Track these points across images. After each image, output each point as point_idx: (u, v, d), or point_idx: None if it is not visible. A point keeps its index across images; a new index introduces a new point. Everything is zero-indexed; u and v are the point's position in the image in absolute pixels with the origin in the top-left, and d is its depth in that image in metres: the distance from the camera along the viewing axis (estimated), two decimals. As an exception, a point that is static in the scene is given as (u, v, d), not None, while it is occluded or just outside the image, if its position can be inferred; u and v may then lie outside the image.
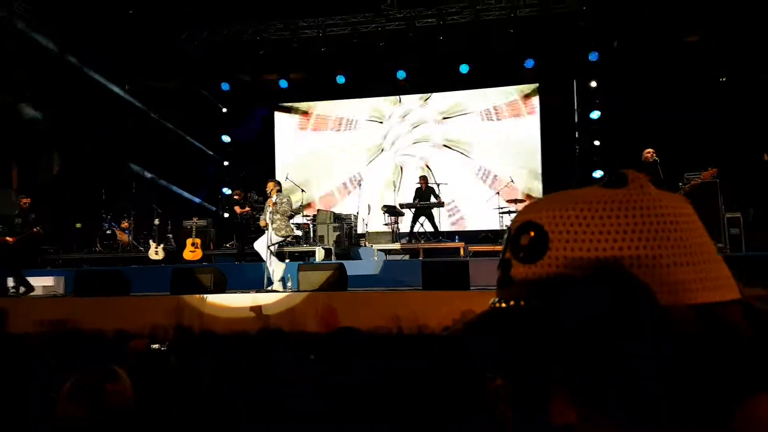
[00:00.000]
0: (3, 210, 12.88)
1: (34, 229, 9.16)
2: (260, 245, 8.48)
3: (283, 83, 14.97)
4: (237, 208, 11.74)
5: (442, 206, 12.23)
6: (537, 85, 14.47)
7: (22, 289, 8.93)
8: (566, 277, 0.57)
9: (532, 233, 0.60)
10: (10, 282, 9.05)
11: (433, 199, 11.95)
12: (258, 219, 11.84)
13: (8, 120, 13.32)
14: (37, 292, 9.08)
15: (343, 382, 2.60)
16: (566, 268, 0.57)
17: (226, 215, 12.64)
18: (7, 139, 13.27)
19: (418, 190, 12.15)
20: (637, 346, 0.51)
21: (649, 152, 7.73)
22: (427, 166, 14.52)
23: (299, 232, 11.86)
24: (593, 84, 13.92)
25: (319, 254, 10.86)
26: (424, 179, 12.28)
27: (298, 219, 12.14)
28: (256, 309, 6.68)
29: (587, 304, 0.54)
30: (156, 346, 3.70)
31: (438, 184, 12.41)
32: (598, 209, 0.58)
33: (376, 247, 11.20)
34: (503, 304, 0.60)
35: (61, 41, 13.70)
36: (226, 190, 14.74)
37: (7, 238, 9.05)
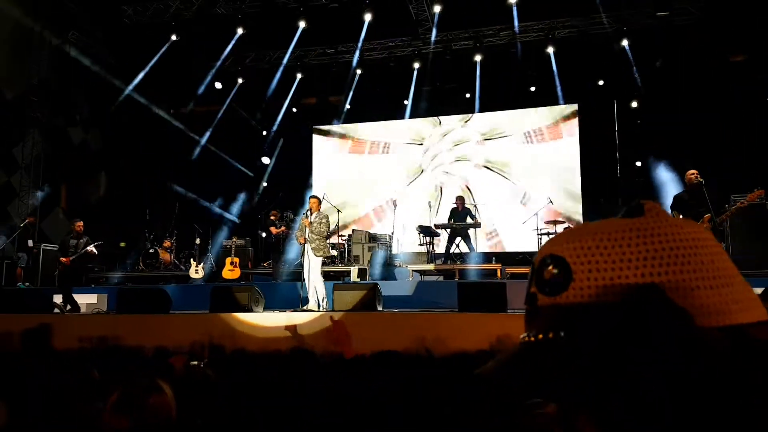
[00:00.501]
0: (52, 228, 13.39)
1: (88, 249, 9.49)
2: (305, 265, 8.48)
3: (322, 106, 15.26)
4: (273, 229, 11.93)
5: (479, 227, 12.16)
6: (576, 106, 14.33)
7: (68, 307, 9.21)
8: (591, 306, 0.58)
9: (555, 266, 0.61)
10: (58, 299, 9.33)
11: (469, 220, 11.91)
12: (293, 238, 12.00)
13: (59, 142, 13.88)
14: (81, 309, 9.34)
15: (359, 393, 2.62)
16: (590, 297, 0.58)
17: (264, 234, 12.80)
18: (57, 160, 13.80)
19: (453, 211, 12.13)
20: (652, 363, 0.52)
21: (693, 174, 7.51)
22: (467, 187, 14.48)
23: (335, 252, 11.95)
24: (634, 104, 13.75)
25: (354, 274, 10.90)
26: (460, 200, 12.24)
27: (334, 239, 12.23)
28: (291, 328, 6.73)
29: (611, 330, 0.55)
30: (195, 362, 3.77)
31: (475, 205, 12.38)
32: (617, 238, 0.59)
33: (410, 267, 11.19)
34: (532, 338, 0.60)
35: (110, 67, 14.27)
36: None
37: (62, 258, 9.38)
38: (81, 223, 9.83)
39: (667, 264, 0.57)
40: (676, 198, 7.73)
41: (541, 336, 0.59)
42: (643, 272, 0.57)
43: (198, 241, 12.73)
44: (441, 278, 10.95)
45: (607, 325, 0.55)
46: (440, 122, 15.23)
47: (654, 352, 0.52)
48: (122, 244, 14.12)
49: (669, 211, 7.69)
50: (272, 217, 12.18)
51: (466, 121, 15.11)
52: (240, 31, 12.95)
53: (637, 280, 0.57)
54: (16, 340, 6.89)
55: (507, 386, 0.59)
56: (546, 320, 0.60)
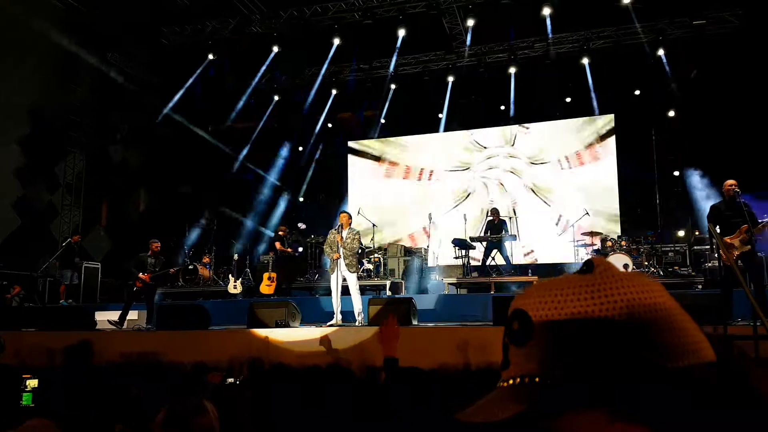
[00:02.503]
0: (93, 246, 13.74)
1: (171, 270, 9.96)
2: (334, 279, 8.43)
3: (359, 121, 15.42)
4: (277, 245, 11.78)
5: (514, 239, 12.04)
6: (612, 117, 14.11)
7: (119, 325, 9.34)
8: (551, 354, 0.66)
9: (520, 320, 0.70)
10: (106, 316, 9.52)
11: (505, 232, 11.81)
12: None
13: (99, 161, 14.28)
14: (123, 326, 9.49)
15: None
16: (549, 345, 0.66)
17: (300, 249, 12.88)
18: (97, 179, 14.19)
19: (490, 223, 12.05)
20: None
21: (731, 184, 7.31)
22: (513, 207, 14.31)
23: (370, 266, 11.95)
24: (671, 113, 13.50)
25: (389, 288, 10.89)
26: (495, 212, 12.16)
27: (369, 252, 12.25)
28: (326, 343, 6.74)
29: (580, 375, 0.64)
30: (231, 380, 3.81)
31: (510, 218, 12.28)
32: (570, 293, 0.67)
33: (446, 280, 11.13)
34: (504, 384, 0.69)
35: (149, 86, 14.67)
36: (302, 225, 15.11)
37: (141, 276, 9.62)
38: (158, 244, 10.10)
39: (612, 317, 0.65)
40: (712, 208, 7.57)
41: (511, 381, 0.68)
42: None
43: (236, 256, 12.89)
44: (468, 291, 10.87)
45: (576, 372, 0.64)
46: (483, 147, 15.01)
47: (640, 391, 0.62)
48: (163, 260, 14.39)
49: (706, 223, 7.54)
50: (280, 233, 12.07)
51: (512, 144, 14.85)
52: (276, 49, 13.17)
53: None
54: (59, 356, 7.08)
55: (487, 425, 0.66)
56: (516, 368, 0.68)
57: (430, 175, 15.27)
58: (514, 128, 14.70)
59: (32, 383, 4.66)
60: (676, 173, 13.40)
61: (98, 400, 3.04)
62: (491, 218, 12.10)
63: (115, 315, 9.71)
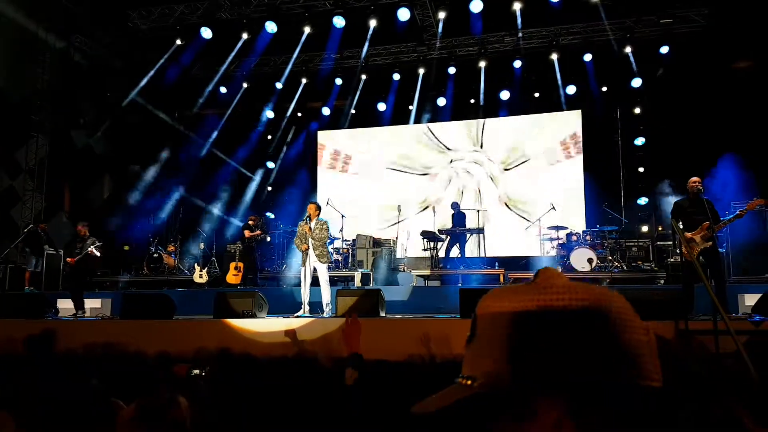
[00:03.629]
0: (55, 232, 13.42)
1: (89, 250, 9.47)
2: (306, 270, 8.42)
3: (326, 111, 15.31)
4: (246, 232, 11.69)
5: (481, 232, 12.20)
6: (579, 112, 14.31)
7: (80, 312, 9.19)
8: (481, 355, 0.70)
9: (472, 321, 0.75)
10: (67, 304, 9.36)
11: (468, 225, 11.95)
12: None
13: (62, 146, 13.92)
14: (85, 314, 9.34)
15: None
16: (483, 347, 0.70)
17: (268, 239, 12.79)
18: (60, 164, 13.84)
19: (453, 216, 12.24)
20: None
21: (694, 181, 7.51)
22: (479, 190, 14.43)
23: (338, 257, 11.95)
24: (637, 110, 13.77)
25: (357, 279, 10.91)
26: (457, 205, 12.36)
27: (338, 243, 12.23)
28: (291, 333, 6.72)
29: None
30: (197, 371, 3.77)
31: (479, 211, 12.40)
32: (512, 300, 0.71)
33: (414, 272, 11.20)
34: (459, 380, 0.73)
35: (114, 71, 14.35)
36: (270, 215, 15.00)
37: (68, 260, 9.42)
38: (83, 226, 9.84)
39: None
40: (676, 204, 7.77)
41: (461, 380, 0.72)
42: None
43: (202, 245, 12.75)
44: (443, 283, 10.97)
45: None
46: (447, 148, 15.01)
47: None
48: (126, 248, 14.16)
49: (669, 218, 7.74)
50: (250, 222, 11.96)
51: (477, 145, 14.93)
52: (245, 35, 12.99)
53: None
54: (19, 345, 6.91)
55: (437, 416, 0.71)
56: (465, 365, 0.73)
57: (392, 176, 15.33)
58: (481, 125, 14.81)
59: None
60: (641, 169, 13.68)
61: (55, 391, 2.98)
62: (454, 211, 12.29)
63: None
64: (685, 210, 7.51)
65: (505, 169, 14.58)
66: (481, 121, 14.78)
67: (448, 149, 14.99)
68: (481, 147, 14.78)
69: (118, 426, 1.77)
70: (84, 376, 2.97)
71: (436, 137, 15.07)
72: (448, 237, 11.91)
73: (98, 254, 9.65)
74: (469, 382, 0.70)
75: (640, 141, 13.73)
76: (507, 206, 14.38)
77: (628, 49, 12.93)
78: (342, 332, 3.00)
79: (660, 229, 12.09)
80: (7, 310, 8.41)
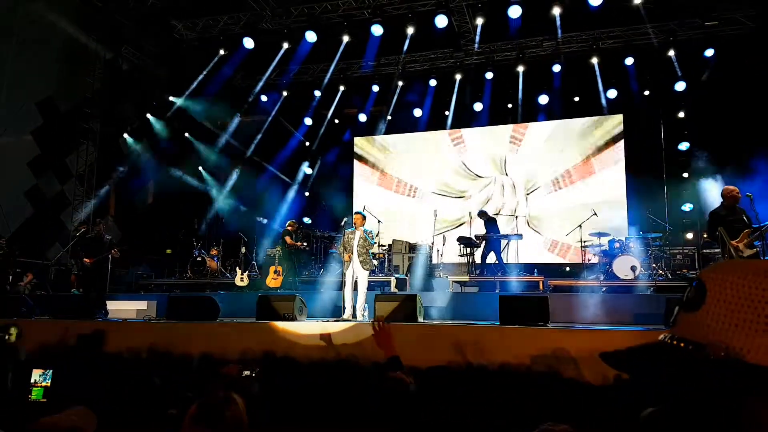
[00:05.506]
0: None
1: (113, 251, 9.61)
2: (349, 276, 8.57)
3: (362, 117, 15.49)
4: (288, 239, 11.83)
5: (520, 238, 12.13)
6: (621, 117, 14.13)
7: (102, 313, 9.19)
8: (709, 330, 0.70)
9: (696, 288, 0.74)
10: (116, 305, 9.60)
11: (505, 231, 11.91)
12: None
13: (110, 152, 14.40)
14: (131, 315, 9.58)
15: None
16: (712, 321, 0.70)
17: (305, 244, 12.98)
18: (108, 170, 14.31)
19: (488, 222, 12.22)
20: None
21: (731, 190, 7.46)
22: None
23: (376, 262, 12.04)
24: (681, 115, 13.51)
25: (393, 284, 10.98)
26: (483, 214, 12.34)
27: (374, 248, 12.32)
28: (329, 337, 6.81)
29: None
30: (247, 372, 3.90)
31: (516, 216, 12.36)
32: (755, 280, 0.69)
33: (451, 278, 11.19)
34: (667, 340, 0.74)
35: (161, 80, 14.77)
36: (307, 220, 15.22)
37: (85, 260, 9.50)
38: (102, 225, 10.04)
39: None
40: (712, 214, 7.69)
41: (672, 341, 0.73)
42: (759, 313, 0.67)
43: (243, 249, 13.00)
44: (481, 289, 10.93)
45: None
46: (478, 176, 15.09)
47: None
48: (168, 251, 14.52)
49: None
50: (289, 228, 12.12)
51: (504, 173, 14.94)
52: (285, 45, 13.25)
53: (751, 318, 0.68)
54: (71, 346, 7.18)
55: (627, 367, 0.73)
56: (679, 329, 0.74)
57: (414, 191, 15.52)
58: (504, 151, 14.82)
59: (36, 374, 4.58)
60: (685, 175, 13.41)
61: (118, 391, 3.13)
62: (490, 217, 12.29)
63: (123, 305, 9.81)
64: (724, 218, 7.40)
65: (529, 192, 14.59)
66: (522, 129, 14.71)
67: (479, 176, 15.10)
68: (506, 172, 14.83)
69: (183, 427, 1.88)
70: (146, 375, 3.12)
71: (469, 169, 15.17)
72: (484, 243, 11.88)
73: (118, 255, 9.67)
74: (691, 347, 0.70)
75: (684, 146, 13.46)
76: (529, 225, 14.39)
77: (671, 53, 12.71)
78: (374, 338, 3.08)
79: (705, 236, 11.81)
80: (56, 310, 8.73)
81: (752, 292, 0.68)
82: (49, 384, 4.47)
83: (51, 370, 4.51)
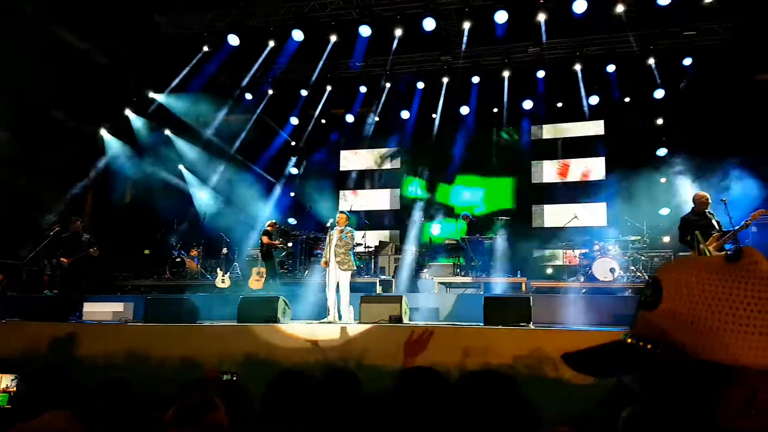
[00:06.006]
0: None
1: (90, 250, 9.36)
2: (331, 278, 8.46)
3: (350, 118, 15.42)
4: (265, 238, 11.56)
5: (505, 240, 12.14)
6: (602, 123, 14.27)
7: (76, 316, 9.01)
8: (666, 328, 0.69)
9: (653, 287, 0.74)
10: (93, 308, 9.38)
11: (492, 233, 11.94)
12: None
13: (86, 149, 14.08)
14: (107, 317, 9.35)
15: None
16: (668, 320, 0.69)
17: (290, 244, 12.84)
18: (84, 167, 14.00)
19: (470, 224, 12.23)
20: None
21: (701, 197, 7.83)
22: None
23: (360, 265, 11.97)
24: (659, 121, 13.70)
25: (379, 285, 10.93)
26: (469, 215, 12.40)
27: (359, 249, 12.25)
28: (314, 339, 6.74)
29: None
30: (227, 376, 3.81)
31: (499, 218, 12.39)
32: (709, 277, 0.69)
33: (436, 279, 11.18)
34: (627, 340, 0.74)
35: (142, 76, 14.51)
36: (292, 221, 15.09)
37: (63, 259, 9.26)
38: (79, 222, 9.82)
39: (739, 309, 0.66)
40: (683, 219, 8.00)
41: (631, 341, 0.72)
42: (713, 311, 0.66)
43: (225, 250, 12.83)
44: (466, 291, 10.93)
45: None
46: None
47: None
48: (146, 252, 14.27)
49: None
50: (268, 228, 11.88)
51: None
52: (271, 43, 13.13)
53: (707, 316, 0.67)
54: (43, 348, 6.99)
55: (598, 366, 0.73)
56: (638, 329, 0.73)
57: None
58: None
59: (6, 380, 4.43)
60: (663, 180, 13.57)
61: (90, 396, 3.01)
62: (472, 219, 12.29)
63: (98, 307, 9.58)
64: (694, 223, 7.68)
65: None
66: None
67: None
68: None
69: (163, 429, 1.81)
70: (121, 379, 3.02)
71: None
72: (469, 245, 11.89)
73: (96, 254, 9.48)
74: (650, 346, 0.70)
75: (662, 152, 13.65)
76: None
77: (651, 61, 12.88)
78: (408, 344, 3.03)
79: (667, 240, 12.10)
80: (29, 312, 8.48)
81: (706, 290, 0.68)
82: (15, 389, 4.33)
83: (17, 375, 4.35)
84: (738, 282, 0.67)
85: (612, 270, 10.35)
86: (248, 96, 15.08)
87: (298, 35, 12.57)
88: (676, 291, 0.70)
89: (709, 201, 7.80)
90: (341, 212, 8.84)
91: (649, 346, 0.69)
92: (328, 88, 15.01)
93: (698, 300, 0.67)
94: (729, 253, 0.72)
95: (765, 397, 0.62)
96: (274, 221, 12.24)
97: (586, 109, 14.05)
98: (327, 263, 8.44)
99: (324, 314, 8.46)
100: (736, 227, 7.50)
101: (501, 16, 11.60)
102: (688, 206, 8.24)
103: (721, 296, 0.66)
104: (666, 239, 12.79)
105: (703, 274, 0.69)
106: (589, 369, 0.72)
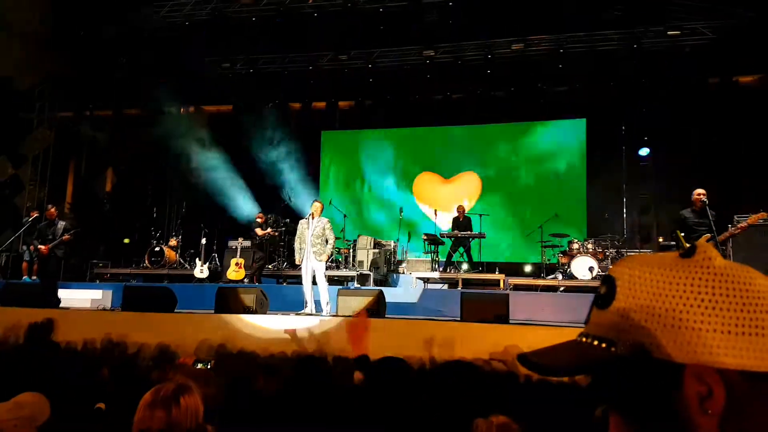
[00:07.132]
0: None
1: (65, 237, 9.29)
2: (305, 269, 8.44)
3: (331, 111, 15.36)
4: (258, 230, 11.81)
5: (483, 237, 12.21)
6: (584, 120, 14.35)
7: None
8: (619, 327, 0.68)
9: (606, 284, 0.72)
10: (66, 294, 9.31)
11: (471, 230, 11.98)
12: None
13: (68, 137, 13.95)
14: (85, 305, 9.32)
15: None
16: (621, 318, 0.68)
17: (274, 229, 12.81)
18: (65, 155, 13.87)
19: (455, 220, 12.21)
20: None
21: (699, 194, 7.60)
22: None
23: (333, 254, 11.96)
24: (642, 121, 13.78)
25: (357, 279, 10.94)
26: (461, 209, 12.32)
27: (338, 243, 12.25)
28: (291, 331, 6.76)
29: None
30: (202, 365, 3.81)
31: (481, 216, 12.43)
32: (662, 273, 0.68)
33: (415, 274, 11.23)
34: (582, 339, 0.72)
35: (122, 64, 14.35)
36: (270, 213, 15.02)
37: (40, 247, 9.21)
38: (54, 209, 9.75)
39: (692, 305, 0.65)
40: (680, 215, 7.86)
41: (585, 339, 0.71)
42: (667, 307, 0.66)
43: (204, 240, 12.77)
44: (445, 286, 10.99)
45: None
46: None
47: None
48: (126, 240, 14.18)
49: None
50: (258, 219, 12.08)
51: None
52: (253, 33, 13.04)
53: (659, 311, 0.66)
54: (20, 334, 6.93)
55: (547, 368, 0.71)
56: (591, 327, 0.72)
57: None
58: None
59: None
60: (644, 179, 13.69)
61: (67, 381, 3.02)
62: (456, 215, 12.28)
63: (77, 294, 9.54)
64: (690, 222, 7.58)
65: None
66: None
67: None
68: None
69: (137, 411, 1.82)
70: (94, 366, 3.02)
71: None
72: (452, 241, 11.94)
73: (70, 239, 9.40)
74: (604, 345, 0.68)
75: (644, 151, 13.75)
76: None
77: (634, 59, 12.97)
78: (349, 332, 3.02)
79: (661, 240, 12.12)
80: (7, 298, 8.42)
81: (659, 286, 0.66)
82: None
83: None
84: (692, 278, 0.65)
85: (591, 269, 10.44)
86: (228, 86, 14.93)
87: (279, 26, 12.52)
88: (630, 288, 0.68)
89: (705, 199, 7.53)
90: (316, 200, 8.82)
91: (603, 345, 0.68)
92: (310, 80, 14.92)
93: (652, 297, 0.66)
94: (682, 248, 0.71)
95: (721, 396, 0.61)
96: (261, 213, 12.29)
97: (569, 106, 14.11)
98: (301, 259, 8.41)
99: (302, 306, 8.47)
100: (732, 229, 7.47)
101: (484, 11, 11.63)
102: (670, 206, 8.26)
103: (675, 293, 0.65)
104: (645, 238, 12.93)
105: (657, 270, 0.68)
106: (544, 369, 0.70)
